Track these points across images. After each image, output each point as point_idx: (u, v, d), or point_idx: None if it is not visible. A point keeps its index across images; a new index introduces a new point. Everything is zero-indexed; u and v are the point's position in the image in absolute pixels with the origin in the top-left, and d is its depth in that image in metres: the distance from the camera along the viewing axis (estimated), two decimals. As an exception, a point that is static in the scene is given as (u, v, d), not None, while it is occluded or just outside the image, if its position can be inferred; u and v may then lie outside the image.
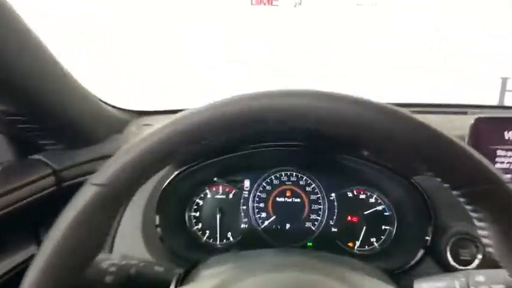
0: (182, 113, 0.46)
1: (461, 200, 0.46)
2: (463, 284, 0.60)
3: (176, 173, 0.95)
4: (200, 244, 1.03)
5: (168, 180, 0.94)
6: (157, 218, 0.92)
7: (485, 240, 0.47)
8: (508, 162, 0.90)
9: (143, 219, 0.93)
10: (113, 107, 1.09)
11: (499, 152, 0.89)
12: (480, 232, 0.47)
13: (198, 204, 1.06)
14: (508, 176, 0.91)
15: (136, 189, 0.47)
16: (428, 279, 0.65)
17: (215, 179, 1.03)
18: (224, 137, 0.45)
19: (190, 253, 0.95)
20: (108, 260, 0.61)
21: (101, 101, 1.00)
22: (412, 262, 0.87)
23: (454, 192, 0.47)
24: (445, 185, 0.46)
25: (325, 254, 0.79)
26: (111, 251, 0.91)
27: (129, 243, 0.92)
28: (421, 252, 0.87)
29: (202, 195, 1.06)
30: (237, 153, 0.99)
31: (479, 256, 0.83)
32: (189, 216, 1.05)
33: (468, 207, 0.46)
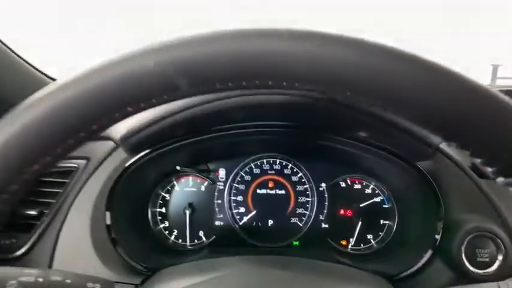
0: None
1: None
2: None
3: (133, 160, 0.78)
4: (166, 246, 0.87)
5: (122, 169, 0.77)
6: (107, 215, 0.75)
7: None
8: None
9: (92, 217, 0.77)
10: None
11: None
12: None
13: (163, 198, 0.89)
14: None
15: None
16: None
17: (178, 167, 0.86)
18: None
19: (153, 258, 0.79)
20: (20, 276, 0.45)
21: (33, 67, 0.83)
22: (418, 265, 0.72)
23: (501, 179, 0.31)
24: (491, 169, 0.30)
25: (309, 263, 0.64)
26: (50, 264, 0.74)
27: (74, 249, 0.75)
28: (428, 253, 0.72)
29: (168, 188, 0.90)
30: (210, 137, 0.81)
31: (500, 257, 0.69)
32: (153, 213, 0.88)
33: None
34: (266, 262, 0.61)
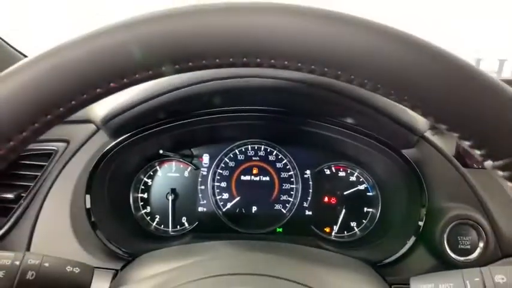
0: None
1: (501, 172, 0.30)
2: (477, 285, 0.45)
3: (114, 143, 0.76)
4: (148, 232, 0.86)
5: (103, 152, 0.75)
6: (87, 198, 0.73)
7: None
8: None
9: (72, 201, 0.75)
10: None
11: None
12: None
13: (145, 183, 0.87)
14: None
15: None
16: (427, 277, 0.50)
17: (161, 151, 0.84)
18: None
19: (135, 243, 0.77)
20: None
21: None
22: (401, 252, 0.72)
23: (489, 163, 0.31)
24: (480, 152, 0.30)
25: (292, 247, 0.64)
26: (28, 248, 0.72)
27: (53, 233, 0.73)
28: (411, 240, 0.72)
29: (151, 173, 0.88)
30: (193, 121, 0.79)
31: (481, 245, 0.69)
32: (135, 198, 0.86)
33: (507, 173, 0.30)
34: (248, 246, 0.60)
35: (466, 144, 0.30)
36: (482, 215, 0.71)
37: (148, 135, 0.78)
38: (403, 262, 0.72)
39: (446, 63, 0.27)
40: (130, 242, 0.77)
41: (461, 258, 0.68)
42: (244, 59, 0.28)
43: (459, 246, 0.69)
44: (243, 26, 0.27)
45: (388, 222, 0.82)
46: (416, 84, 0.27)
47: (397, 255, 0.72)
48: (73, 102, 0.28)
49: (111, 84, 0.28)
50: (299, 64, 0.29)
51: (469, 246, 0.69)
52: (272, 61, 0.29)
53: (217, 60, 0.28)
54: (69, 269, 0.49)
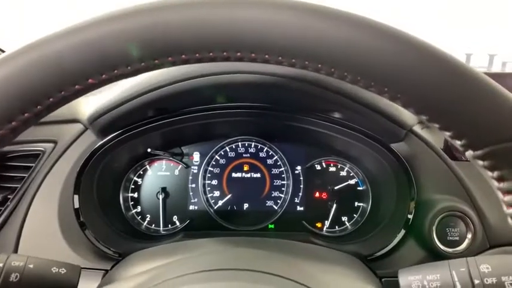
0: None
1: (481, 161, 0.30)
2: (463, 275, 0.45)
3: (102, 142, 0.75)
4: (139, 231, 0.85)
5: (90, 152, 0.74)
6: (76, 198, 0.72)
7: (510, 210, 0.31)
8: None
9: (60, 202, 0.74)
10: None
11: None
12: (505, 199, 0.31)
13: (136, 183, 0.87)
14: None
15: None
16: (415, 269, 0.50)
17: (149, 150, 0.84)
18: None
19: (125, 243, 0.77)
20: None
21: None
22: (391, 245, 0.73)
23: (470, 153, 0.31)
24: (460, 142, 0.30)
25: (281, 242, 0.64)
26: (16, 249, 0.71)
27: (42, 234, 0.73)
28: (401, 233, 0.73)
29: (141, 172, 0.87)
30: (182, 119, 0.79)
31: (469, 236, 0.70)
32: (125, 198, 0.86)
33: (487, 163, 0.30)
34: (237, 242, 0.60)
35: (446, 135, 0.31)
36: (470, 207, 0.72)
37: (136, 133, 0.78)
38: (393, 255, 0.73)
39: (425, 55, 0.28)
40: (120, 241, 0.76)
41: (450, 250, 0.69)
42: (224, 53, 0.28)
43: (448, 238, 0.70)
44: (222, 19, 0.27)
45: (379, 216, 0.82)
46: (395, 75, 0.28)
47: (387, 248, 0.73)
48: (51, 100, 0.27)
49: (89, 81, 0.27)
50: (280, 58, 0.29)
51: (457, 238, 0.70)
52: (252, 55, 0.29)
53: (197, 55, 0.28)
54: (54, 270, 0.48)
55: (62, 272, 0.48)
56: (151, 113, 0.77)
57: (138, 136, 0.78)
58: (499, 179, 0.31)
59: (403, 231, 0.73)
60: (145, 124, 0.78)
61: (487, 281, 0.44)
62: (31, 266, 0.47)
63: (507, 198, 0.31)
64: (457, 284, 0.44)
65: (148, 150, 0.83)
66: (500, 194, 0.32)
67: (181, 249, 0.60)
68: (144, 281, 0.44)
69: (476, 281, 0.44)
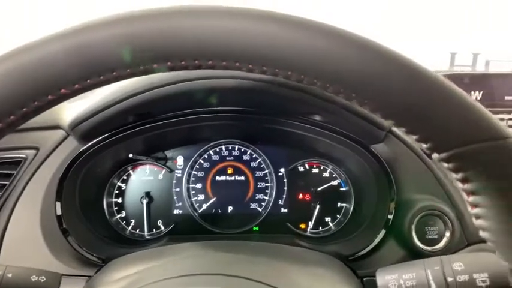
0: None
1: (447, 163, 0.31)
2: (437, 273, 0.46)
3: (84, 147, 0.75)
4: (123, 236, 0.85)
5: (72, 158, 0.74)
6: (58, 205, 0.72)
7: (474, 211, 0.33)
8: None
9: (42, 209, 0.74)
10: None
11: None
12: (470, 199, 0.32)
13: (119, 188, 0.87)
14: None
15: None
16: (392, 268, 0.51)
17: (131, 155, 0.84)
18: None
19: (109, 249, 0.77)
20: None
21: None
22: (372, 245, 0.74)
23: (436, 155, 0.32)
24: (426, 145, 0.31)
25: (262, 245, 0.65)
26: None
27: (24, 241, 0.72)
28: (382, 233, 0.74)
29: (124, 177, 0.87)
30: (165, 123, 0.79)
31: (447, 234, 0.72)
32: (108, 203, 0.86)
33: (452, 165, 0.31)
34: (221, 246, 0.61)
35: (413, 138, 0.32)
36: (449, 206, 0.73)
37: (118, 139, 0.78)
38: (374, 255, 0.74)
39: (389, 62, 0.28)
40: (103, 247, 0.76)
41: (429, 248, 0.71)
42: (196, 61, 0.29)
43: (427, 237, 0.71)
44: (193, 28, 0.28)
45: (361, 216, 0.84)
46: (361, 82, 0.29)
47: (368, 248, 0.74)
48: (24, 109, 0.28)
49: (62, 91, 0.28)
50: (250, 65, 0.29)
51: (436, 236, 0.71)
52: (224, 63, 0.29)
53: (169, 63, 0.29)
54: (34, 278, 0.48)
55: (42, 280, 0.48)
56: (134, 118, 0.77)
57: (120, 141, 0.78)
58: (463, 181, 0.32)
59: (383, 231, 0.74)
60: (128, 129, 0.78)
61: (459, 278, 0.45)
62: (9, 275, 0.47)
63: (471, 199, 0.32)
64: (432, 282, 0.46)
65: (130, 155, 0.83)
66: (464, 195, 0.33)
67: (163, 254, 0.60)
68: (124, 285, 0.44)
69: (450, 279, 0.45)
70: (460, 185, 0.33)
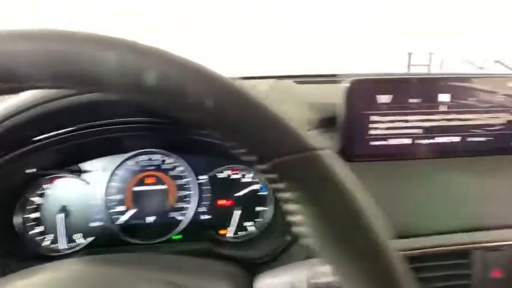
0: None
1: (268, 175, 0.33)
2: (304, 276, 0.48)
3: None
4: (40, 252, 0.83)
5: None
6: None
7: (292, 218, 0.34)
8: (382, 128, 0.82)
9: None
10: None
11: (372, 118, 0.81)
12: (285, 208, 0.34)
13: (33, 203, 0.85)
14: (383, 142, 0.83)
15: None
16: (272, 273, 0.53)
17: (34, 169, 0.82)
18: None
19: (22, 265, 0.75)
20: None
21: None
22: (281, 247, 0.76)
23: (259, 167, 0.34)
24: (250, 158, 0.33)
25: (153, 257, 0.65)
26: None
27: None
28: (290, 236, 0.76)
29: (38, 192, 0.85)
30: (78, 134, 0.78)
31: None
32: (24, 219, 0.84)
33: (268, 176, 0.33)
34: (106, 261, 0.60)
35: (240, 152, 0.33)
36: None
37: (28, 151, 0.76)
38: (281, 257, 0.76)
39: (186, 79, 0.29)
40: (14, 265, 0.74)
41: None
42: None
43: None
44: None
45: (277, 220, 0.85)
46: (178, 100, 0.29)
47: (277, 251, 0.76)
48: None
49: None
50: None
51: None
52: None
53: None
54: None
55: None
56: (39, 132, 0.75)
57: (31, 154, 0.76)
58: (279, 191, 0.33)
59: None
60: (38, 141, 0.76)
61: (323, 280, 0.47)
62: None
63: (285, 207, 0.34)
64: (296, 285, 0.48)
65: (34, 170, 0.81)
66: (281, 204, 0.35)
67: (42, 272, 0.59)
68: None
69: (314, 281, 0.47)
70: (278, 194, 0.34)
